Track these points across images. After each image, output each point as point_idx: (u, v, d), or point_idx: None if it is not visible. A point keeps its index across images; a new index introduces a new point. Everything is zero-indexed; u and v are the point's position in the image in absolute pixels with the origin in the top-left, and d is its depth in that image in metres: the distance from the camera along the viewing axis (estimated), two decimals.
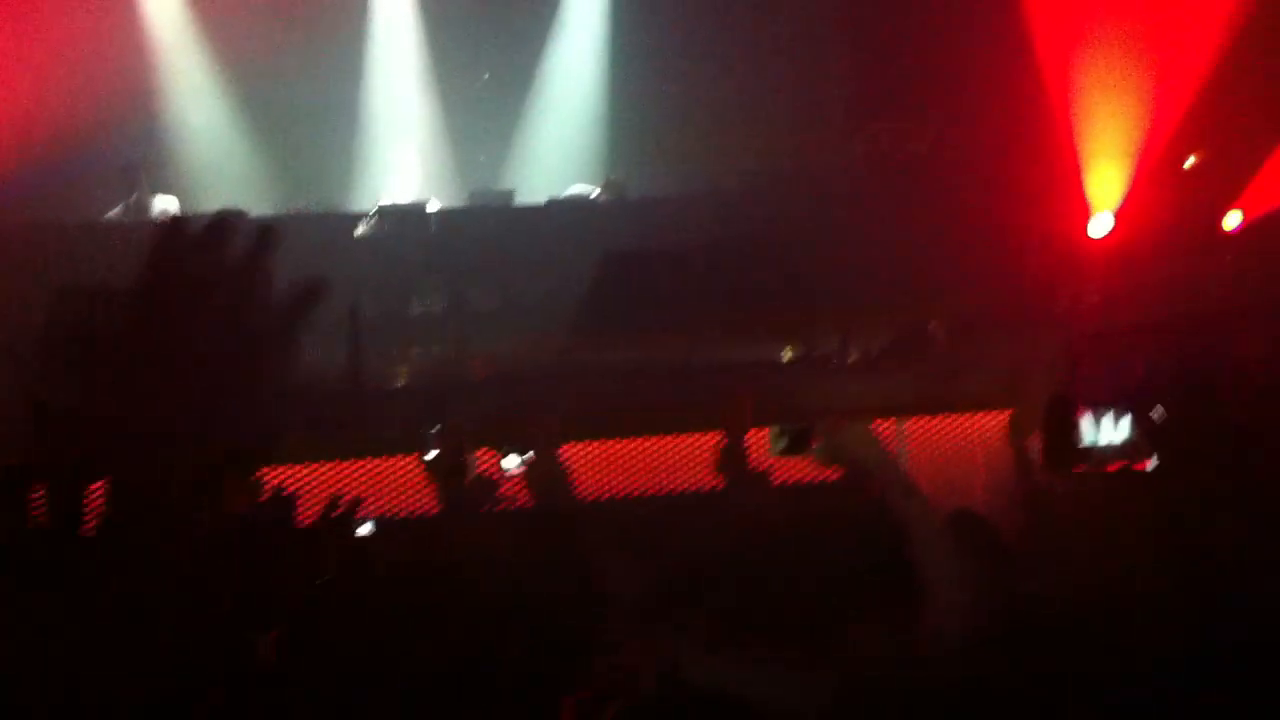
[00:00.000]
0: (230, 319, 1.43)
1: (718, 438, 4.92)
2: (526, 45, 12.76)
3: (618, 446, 7.92)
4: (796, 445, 4.45)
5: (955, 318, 9.20)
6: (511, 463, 5.20)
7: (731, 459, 4.83)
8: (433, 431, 4.74)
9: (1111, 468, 3.37)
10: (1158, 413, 3.04)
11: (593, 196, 11.21)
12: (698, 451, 7.41)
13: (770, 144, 11.63)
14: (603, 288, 9.57)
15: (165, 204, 10.57)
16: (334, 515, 3.20)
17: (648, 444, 8.03)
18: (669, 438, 7.94)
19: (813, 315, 9.29)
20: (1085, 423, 3.32)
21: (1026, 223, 9.95)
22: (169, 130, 11.83)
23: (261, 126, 11.94)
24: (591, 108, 12.85)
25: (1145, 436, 3.09)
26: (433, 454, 4.68)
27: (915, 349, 9.13)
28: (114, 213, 10.60)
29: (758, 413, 5.01)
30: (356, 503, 3.34)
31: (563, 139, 12.62)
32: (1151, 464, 3.07)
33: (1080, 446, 3.18)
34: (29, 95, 10.79)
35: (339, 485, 7.31)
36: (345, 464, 7.50)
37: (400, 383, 9.43)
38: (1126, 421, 3.25)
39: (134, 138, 11.16)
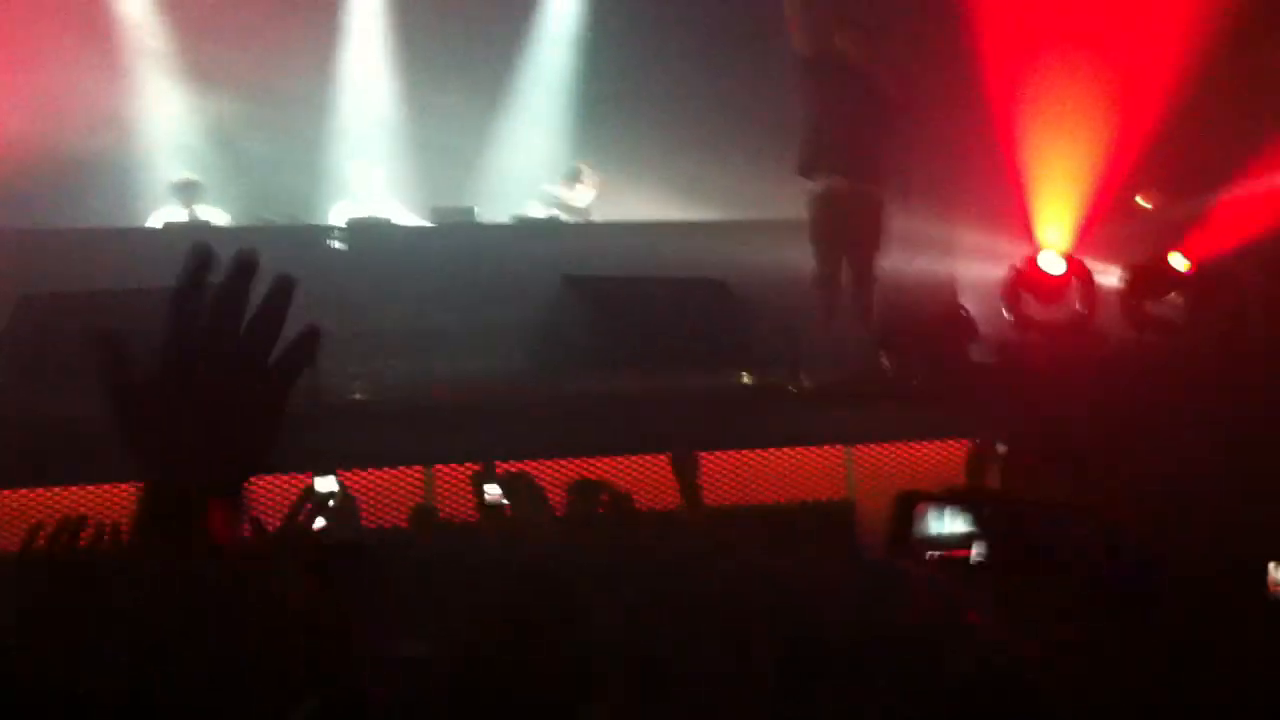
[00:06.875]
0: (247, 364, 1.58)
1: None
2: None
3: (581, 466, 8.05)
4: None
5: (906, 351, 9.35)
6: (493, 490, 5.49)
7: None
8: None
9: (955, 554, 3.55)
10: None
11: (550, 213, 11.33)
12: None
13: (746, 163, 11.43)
14: (558, 314, 9.71)
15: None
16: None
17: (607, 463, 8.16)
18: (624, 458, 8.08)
19: (767, 344, 9.43)
20: (931, 513, 3.48)
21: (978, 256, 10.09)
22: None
23: (225, 136, 12.01)
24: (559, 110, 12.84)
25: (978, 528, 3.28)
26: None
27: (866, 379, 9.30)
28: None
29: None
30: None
31: (530, 148, 12.65)
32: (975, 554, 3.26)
33: (921, 535, 3.37)
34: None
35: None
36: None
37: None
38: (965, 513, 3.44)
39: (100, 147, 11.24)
